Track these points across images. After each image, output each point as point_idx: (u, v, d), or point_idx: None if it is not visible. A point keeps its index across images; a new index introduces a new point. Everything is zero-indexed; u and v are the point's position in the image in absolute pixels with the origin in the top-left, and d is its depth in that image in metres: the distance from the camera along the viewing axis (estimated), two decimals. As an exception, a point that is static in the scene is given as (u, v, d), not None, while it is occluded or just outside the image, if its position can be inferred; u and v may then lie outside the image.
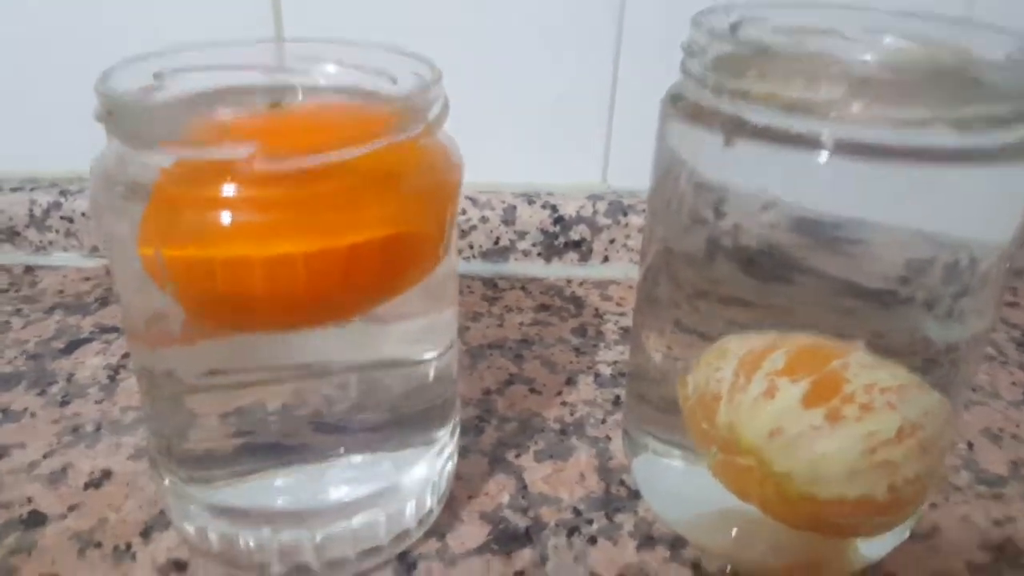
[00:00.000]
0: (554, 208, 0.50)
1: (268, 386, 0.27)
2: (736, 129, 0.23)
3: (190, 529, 0.27)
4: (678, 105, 0.26)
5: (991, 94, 0.21)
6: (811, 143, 0.22)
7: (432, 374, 0.29)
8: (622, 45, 0.48)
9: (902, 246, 0.25)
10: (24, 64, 0.48)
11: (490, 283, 0.50)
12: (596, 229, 0.50)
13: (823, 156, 0.22)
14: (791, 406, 0.24)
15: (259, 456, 0.27)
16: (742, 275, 0.27)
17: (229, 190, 0.20)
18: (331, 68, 0.27)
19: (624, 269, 0.51)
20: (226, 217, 0.20)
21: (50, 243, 0.50)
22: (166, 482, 0.27)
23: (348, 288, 0.23)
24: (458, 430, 0.31)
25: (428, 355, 0.28)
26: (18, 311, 0.45)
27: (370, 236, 0.22)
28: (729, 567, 0.29)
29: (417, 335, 0.28)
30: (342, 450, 0.28)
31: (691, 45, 0.25)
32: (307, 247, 0.21)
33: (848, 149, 0.22)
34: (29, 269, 0.50)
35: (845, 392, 0.24)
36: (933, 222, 0.25)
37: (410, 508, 0.28)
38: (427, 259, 0.25)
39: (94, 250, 0.51)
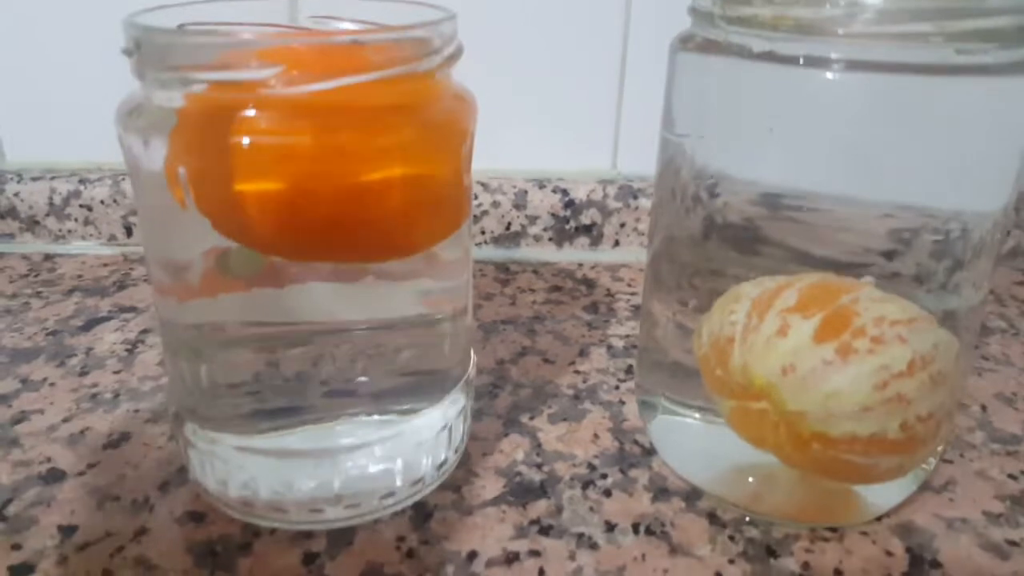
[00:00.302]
0: (565, 192, 0.50)
1: (284, 344, 0.27)
2: (745, 54, 0.23)
3: (209, 480, 0.28)
4: (688, 44, 0.26)
5: (991, 8, 0.21)
6: (816, 63, 0.22)
7: (443, 334, 0.29)
8: (630, 29, 0.48)
9: (889, 218, 0.26)
10: (46, 54, 0.49)
11: (502, 267, 0.50)
12: (606, 213, 0.50)
13: (829, 75, 0.22)
14: (803, 342, 0.24)
15: (273, 416, 0.28)
16: (733, 253, 0.28)
17: (252, 113, 0.20)
18: (347, 25, 0.28)
19: (635, 253, 0.51)
20: (247, 141, 0.21)
21: (69, 232, 0.51)
22: (186, 430, 0.28)
23: (372, 225, 0.23)
24: (472, 387, 0.31)
25: (440, 315, 0.29)
26: (38, 293, 0.45)
27: (388, 173, 0.23)
28: (748, 518, 0.29)
29: (428, 295, 0.29)
30: (354, 409, 0.28)
31: None
32: (326, 181, 0.22)
33: (853, 67, 0.22)
34: (48, 257, 0.51)
35: (855, 326, 0.24)
36: (932, 165, 0.25)
37: (425, 456, 0.28)
38: (448, 207, 0.26)
39: (112, 238, 0.51)
